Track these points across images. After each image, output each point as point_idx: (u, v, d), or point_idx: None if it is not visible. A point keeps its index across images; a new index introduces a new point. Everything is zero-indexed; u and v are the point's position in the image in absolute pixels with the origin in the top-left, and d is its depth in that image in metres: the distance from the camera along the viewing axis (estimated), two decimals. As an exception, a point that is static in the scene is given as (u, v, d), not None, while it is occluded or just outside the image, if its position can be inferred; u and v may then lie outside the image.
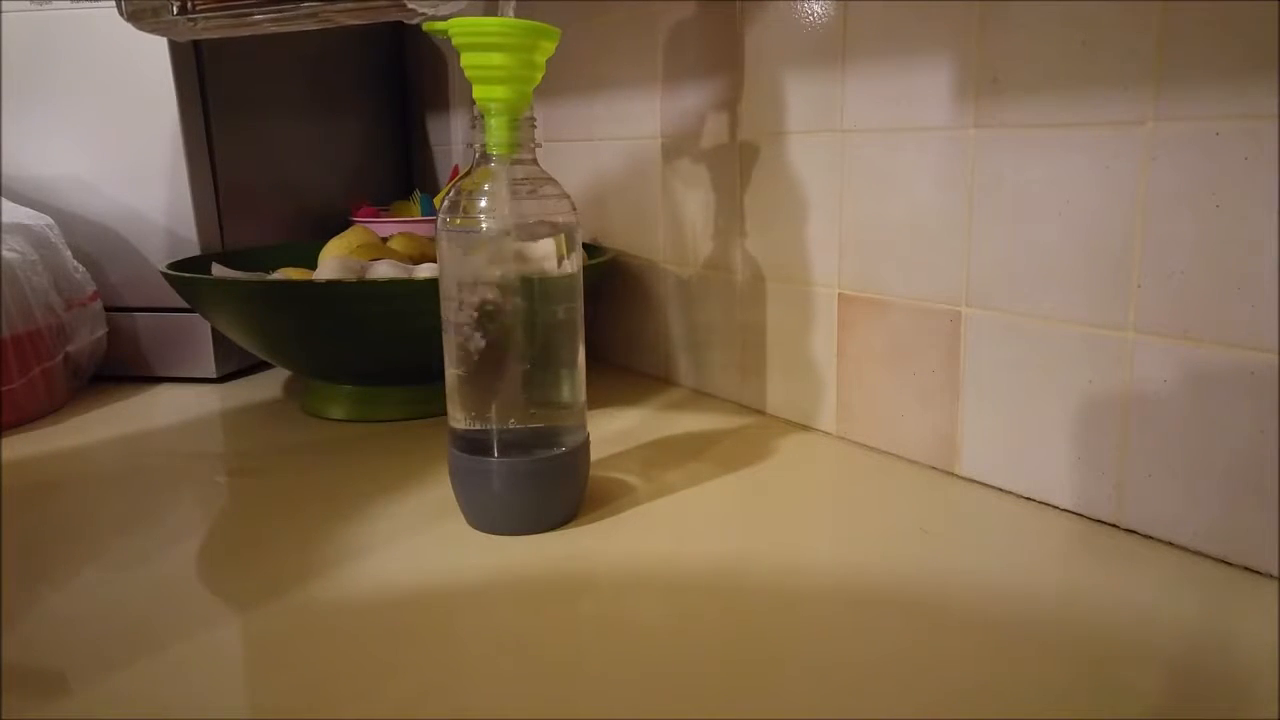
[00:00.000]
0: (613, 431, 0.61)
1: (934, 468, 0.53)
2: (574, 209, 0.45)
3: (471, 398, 0.45)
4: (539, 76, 0.44)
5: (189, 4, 0.47)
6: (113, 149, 0.73)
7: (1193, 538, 0.42)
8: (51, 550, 0.45)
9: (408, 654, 0.35)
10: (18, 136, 0.74)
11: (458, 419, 0.46)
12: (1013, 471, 0.49)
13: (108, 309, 0.75)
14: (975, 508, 0.49)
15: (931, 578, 0.41)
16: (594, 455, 0.49)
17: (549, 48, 0.43)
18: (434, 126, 1.06)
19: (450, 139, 1.03)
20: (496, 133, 0.43)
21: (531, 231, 0.44)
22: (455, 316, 0.44)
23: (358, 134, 1.03)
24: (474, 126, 0.44)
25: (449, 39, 0.42)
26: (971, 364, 0.50)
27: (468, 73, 0.43)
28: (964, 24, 0.48)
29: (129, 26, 0.72)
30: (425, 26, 0.43)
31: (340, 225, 0.91)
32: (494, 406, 0.45)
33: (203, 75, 0.75)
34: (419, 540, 0.46)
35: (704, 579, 0.42)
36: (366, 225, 0.81)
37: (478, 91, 0.43)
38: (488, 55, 0.42)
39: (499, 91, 0.43)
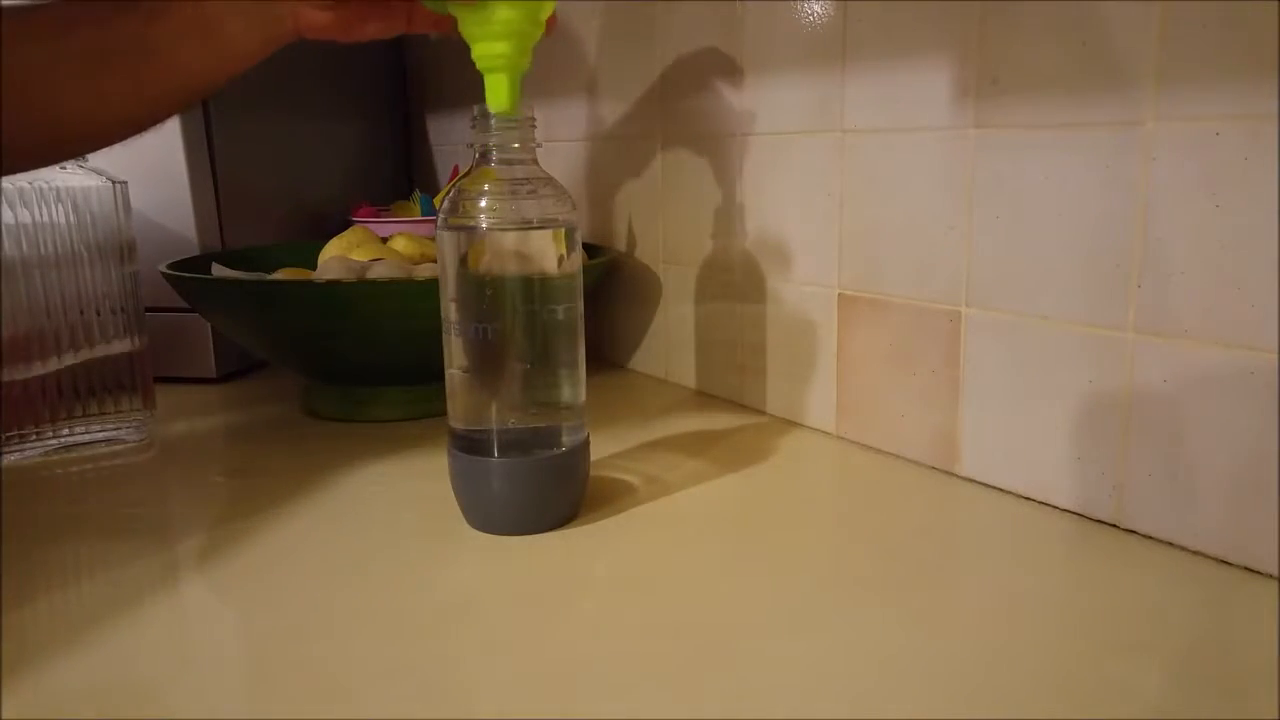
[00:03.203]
0: (613, 431, 0.61)
1: (934, 468, 0.53)
2: (574, 209, 0.45)
3: (471, 398, 0.45)
4: (539, 34, 0.43)
5: None
6: (112, 149, 0.73)
7: (1193, 538, 0.42)
8: (51, 550, 0.45)
9: (408, 654, 0.35)
10: (18, 136, 0.74)
11: (458, 419, 0.46)
12: (1013, 471, 0.49)
13: (108, 309, 0.75)
14: (975, 508, 0.49)
15: (931, 578, 0.41)
16: (594, 455, 0.49)
17: (549, 5, 0.43)
18: (434, 126, 1.06)
19: (450, 139, 1.03)
20: (498, 92, 0.43)
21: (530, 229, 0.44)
22: (455, 316, 0.44)
23: (358, 134, 1.03)
24: (474, 126, 0.44)
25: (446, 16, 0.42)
26: (971, 364, 0.50)
27: (468, 32, 0.42)
28: (964, 24, 0.48)
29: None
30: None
31: (340, 225, 0.90)
32: (494, 406, 0.45)
33: (203, 75, 0.75)
34: (419, 540, 0.46)
35: (704, 579, 0.42)
36: (366, 225, 0.81)
37: (478, 49, 0.43)
38: (489, 9, 0.42)
39: (500, 47, 0.42)
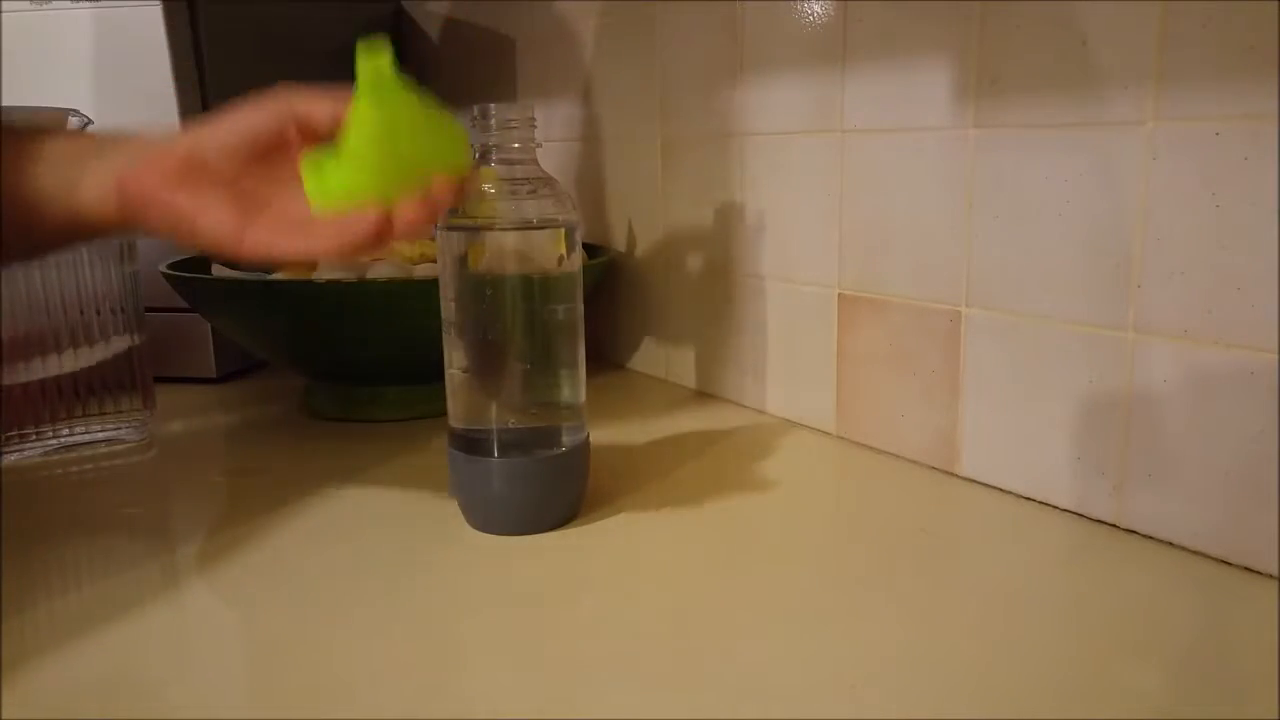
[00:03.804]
0: (613, 431, 0.61)
1: (934, 468, 0.53)
2: (574, 209, 0.45)
3: (471, 398, 0.45)
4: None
5: None
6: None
7: (1193, 538, 0.42)
8: (51, 550, 0.45)
9: (408, 654, 0.35)
10: (18, 136, 0.74)
11: (458, 419, 0.46)
12: (1013, 471, 0.49)
13: (108, 309, 0.75)
14: (975, 508, 0.49)
15: (931, 577, 0.41)
16: (594, 455, 0.49)
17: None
18: (434, 126, 1.06)
19: (450, 139, 1.03)
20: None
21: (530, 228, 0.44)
22: (455, 316, 0.44)
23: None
24: (474, 126, 0.44)
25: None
26: (971, 364, 0.50)
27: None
28: (964, 24, 0.48)
29: (129, 26, 0.72)
30: None
31: (340, 225, 0.90)
32: (494, 406, 0.45)
33: (203, 75, 0.75)
34: (419, 540, 0.46)
35: (704, 579, 0.42)
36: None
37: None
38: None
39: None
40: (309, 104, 0.40)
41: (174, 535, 0.48)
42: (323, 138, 0.40)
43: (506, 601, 0.40)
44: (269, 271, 0.68)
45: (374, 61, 0.37)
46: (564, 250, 0.44)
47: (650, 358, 0.77)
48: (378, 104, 0.37)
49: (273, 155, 0.40)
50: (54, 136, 0.42)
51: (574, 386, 0.46)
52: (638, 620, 0.38)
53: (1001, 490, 0.50)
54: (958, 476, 0.52)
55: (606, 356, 0.82)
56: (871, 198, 0.55)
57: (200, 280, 0.62)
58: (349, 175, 0.38)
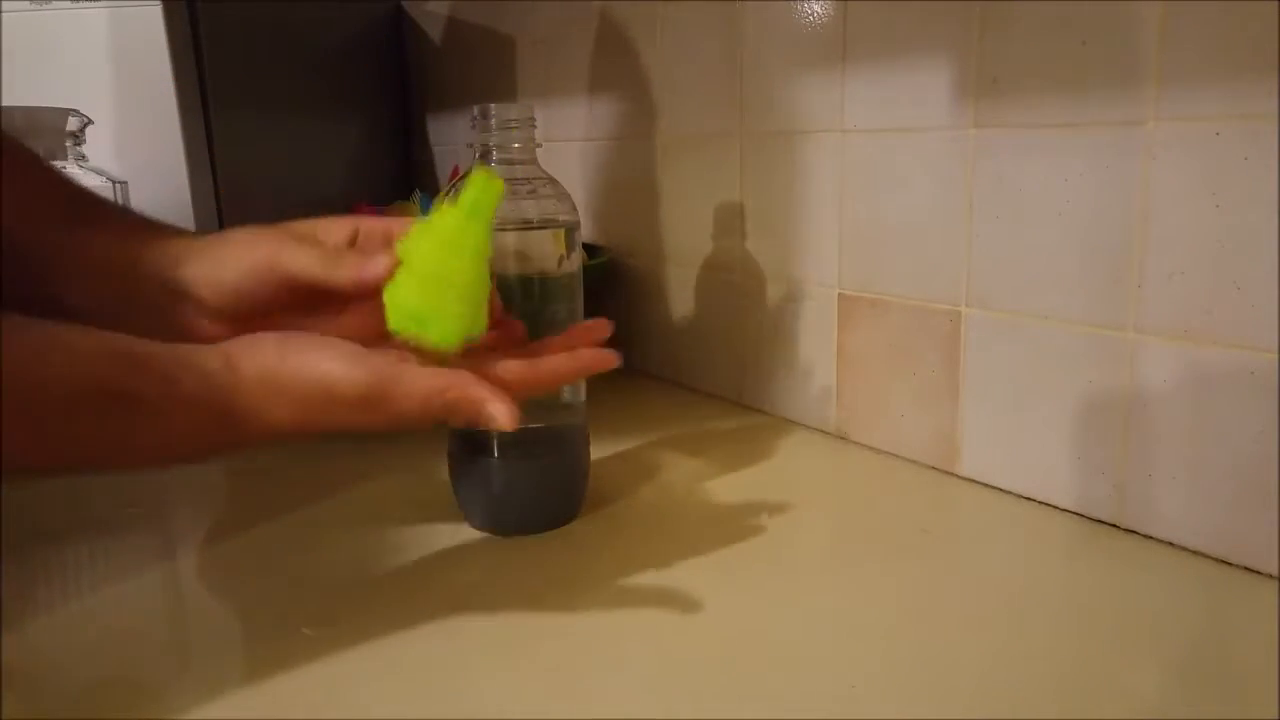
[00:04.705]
0: (613, 431, 0.61)
1: (934, 468, 0.53)
2: (574, 209, 0.45)
3: (471, 398, 0.45)
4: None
5: None
6: (113, 148, 0.73)
7: (1193, 538, 0.42)
8: (51, 549, 0.45)
9: (408, 654, 0.35)
10: (18, 136, 0.74)
11: (458, 419, 0.46)
12: (1013, 471, 0.49)
13: (108, 309, 0.75)
14: (975, 508, 0.49)
15: (931, 578, 0.41)
16: (594, 455, 0.49)
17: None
18: (434, 126, 1.06)
19: (450, 139, 1.03)
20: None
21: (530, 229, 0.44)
22: (455, 316, 0.44)
23: (358, 134, 1.03)
24: (474, 126, 0.44)
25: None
26: (971, 364, 0.50)
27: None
28: (964, 24, 0.48)
29: (129, 26, 0.72)
30: None
31: (340, 225, 0.90)
32: (494, 406, 0.45)
33: (203, 75, 0.76)
34: (419, 541, 0.46)
35: (703, 579, 0.42)
36: (366, 225, 0.81)
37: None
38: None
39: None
40: (291, 260, 0.40)
41: (174, 535, 0.48)
42: (310, 285, 0.39)
43: (507, 601, 0.40)
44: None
45: (491, 186, 0.37)
46: (564, 250, 0.44)
47: (650, 358, 0.77)
48: (467, 217, 0.37)
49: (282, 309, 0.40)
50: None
51: (574, 386, 0.46)
52: (637, 620, 0.38)
53: (1001, 490, 0.50)
54: (958, 476, 0.52)
55: (606, 356, 0.82)
56: (872, 198, 0.55)
57: (200, 280, 0.61)
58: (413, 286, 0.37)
